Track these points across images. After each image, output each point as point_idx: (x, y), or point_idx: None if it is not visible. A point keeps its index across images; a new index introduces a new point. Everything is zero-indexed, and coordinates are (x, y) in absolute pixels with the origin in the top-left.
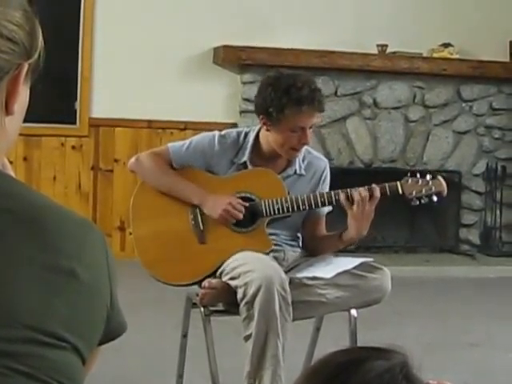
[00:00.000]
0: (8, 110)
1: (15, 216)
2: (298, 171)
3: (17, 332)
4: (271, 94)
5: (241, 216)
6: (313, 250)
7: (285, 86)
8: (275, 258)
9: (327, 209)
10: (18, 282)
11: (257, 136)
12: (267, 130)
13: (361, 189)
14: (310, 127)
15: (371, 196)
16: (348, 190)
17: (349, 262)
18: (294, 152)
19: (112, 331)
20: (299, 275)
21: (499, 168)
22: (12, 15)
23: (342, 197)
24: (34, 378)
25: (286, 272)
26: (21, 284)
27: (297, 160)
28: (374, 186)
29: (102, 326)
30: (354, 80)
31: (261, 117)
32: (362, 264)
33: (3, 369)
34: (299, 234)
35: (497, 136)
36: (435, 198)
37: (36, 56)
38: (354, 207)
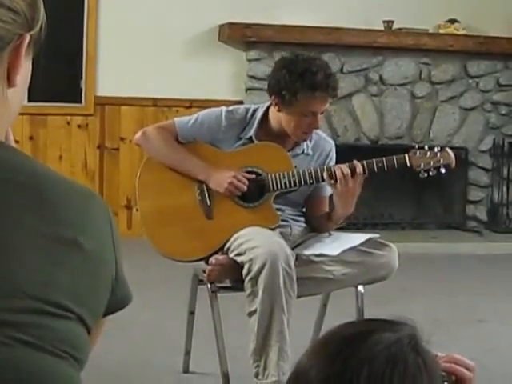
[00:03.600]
0: (10, 82)
1: (16, 186)
2: (305, 151)
3: (20, 302)
4: (285, 76)
5: (245, 188)
6: (313, 229)
7: (300, 70)
8: (281, 234)
9: (330, 190)
10: (21, 252)
11: (265, 113)
12: (278, 111)
13: (342, 166)
14: (322, 112)
15: (353, 172)
16: (331, 167)
17: (356, 239)
18: (303, 135)
19: (117, 302)
20: (306, 252)
21: (506, 144)
22: None
23: (325, 175)
24: (39, 347)
25: (292, 248)
26: (23, 254)
27: None
28: (355, 161)
29: (107, 296)
30: (360, 57)
31: (273, 97)
32: (369, 241)
33: (7, 339)
34: (304, 210)
35: (503, 112)
36: (443, 170)
37: (38, 28)
38: (338, 185)
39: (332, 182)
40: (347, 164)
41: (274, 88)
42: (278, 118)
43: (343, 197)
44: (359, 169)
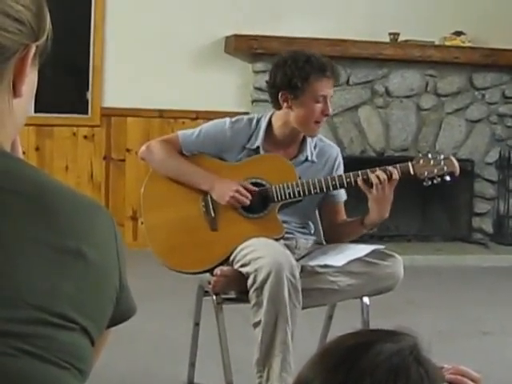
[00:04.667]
0: (16, 92)
1: (21, 197)
2: (309, 158)
3: (24, 312)
4: (291, 66)
5: (248, 202)
6: (333, 239)
7: (304, 58)
8: (287, 246)
9: (344, 196)
10: (25, 261)
11: (269, 122)
12: (288, 108)
13: (378, 172)
14: (329, 99)
15: (390, 178)
16: (365, 172)
17: (361, 250)
18: (316, 126)
19: (121, 313)
20: (311, 263)
21: None
22: None
23: (360, 180)
24: (43, 358)
25: (298, 260)
26: (27, 264)
27: (308, 146)
28: (391, 168)
29: (111, 307)
30: (366, 69)
31: (281, 93)
32: (373, 251)
33: (11, 349)
34: (310, 222)
35: (509, 124)
36: (448, 178)
37: (44, 38)
38: (374, 190)
39: (367, 187)
40: (379, 168)
41: (281, 82)
42: (284, 121)
43: (380, 202)
44: (395, 174)
